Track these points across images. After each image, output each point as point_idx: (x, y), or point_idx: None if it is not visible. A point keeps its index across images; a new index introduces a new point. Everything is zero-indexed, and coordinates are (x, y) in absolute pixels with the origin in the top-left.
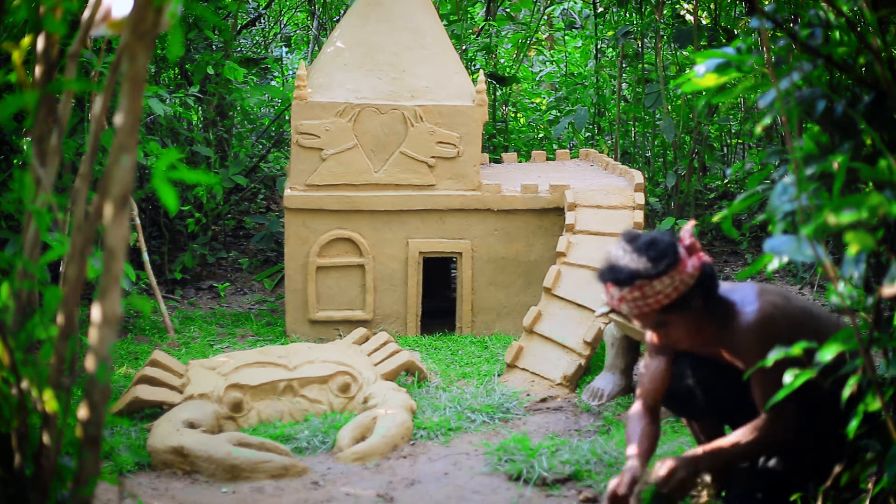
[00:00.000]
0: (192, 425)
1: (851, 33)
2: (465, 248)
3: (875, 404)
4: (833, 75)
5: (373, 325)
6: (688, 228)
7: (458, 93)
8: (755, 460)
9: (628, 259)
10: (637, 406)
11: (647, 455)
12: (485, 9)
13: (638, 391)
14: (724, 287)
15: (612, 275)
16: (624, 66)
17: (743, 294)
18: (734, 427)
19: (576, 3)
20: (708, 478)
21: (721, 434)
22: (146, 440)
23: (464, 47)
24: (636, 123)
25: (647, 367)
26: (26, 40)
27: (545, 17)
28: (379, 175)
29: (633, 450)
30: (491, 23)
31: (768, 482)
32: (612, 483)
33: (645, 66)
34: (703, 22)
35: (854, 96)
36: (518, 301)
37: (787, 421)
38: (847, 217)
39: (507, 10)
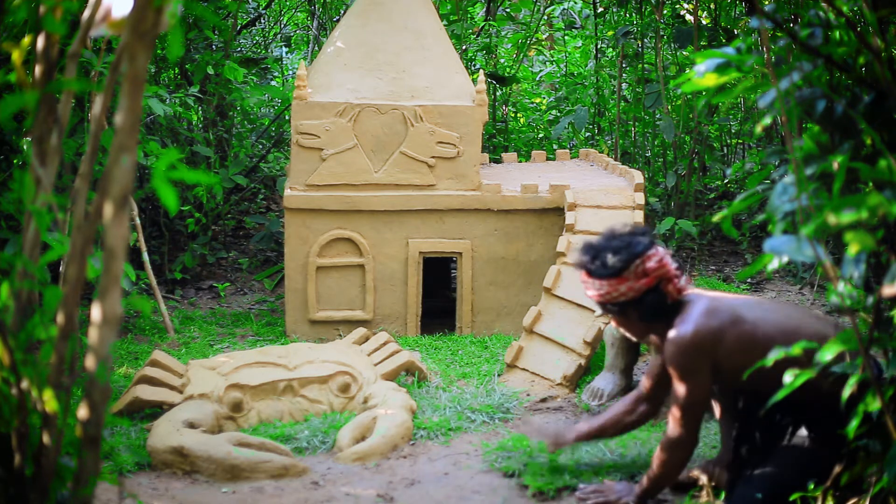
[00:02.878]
0: (192, 425)
1: (851, 33)
2: (465, 248)
3: (875, 404)
4: (833, 75)
5: (373, 325)
6: (661, 255)
7: (458, 93)
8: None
9: (590, 248)
10: (634, 392)
11: (596, 432)
12: (485, 9)
13: (641, 380)
14: (696, 301)
15: (578, 253)
16: (624, 66)
17: (691, 309)
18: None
19: (576, 3)
20: (705, 478)
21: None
22: (146, 440)
23: (464, 47)
24: (636, 123)
25: (651, 359)
26: (26, 40)
27: (545, 17)
28: (379, 175)
29: (590, 420)
30: (491, 23)
31: (768, 482)
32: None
33: (645, 66)
34: (703, 22)
35: (854, 96)
36: (518, 301)
37: (691, 430)
38: (847, 217)
39: (507, 10)
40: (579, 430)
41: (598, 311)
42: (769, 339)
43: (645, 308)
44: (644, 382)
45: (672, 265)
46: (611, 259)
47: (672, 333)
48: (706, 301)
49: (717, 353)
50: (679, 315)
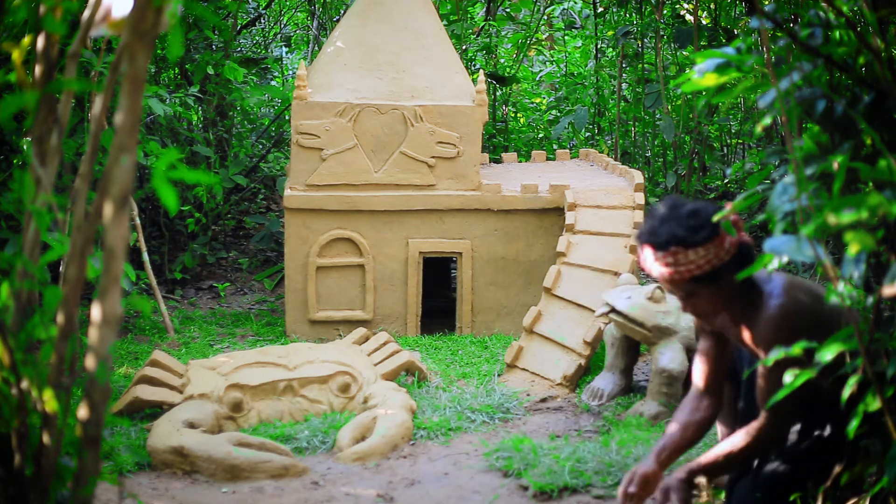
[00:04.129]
0: (192, 425)
1: (851, 33)
2: (465, 248)
3: (875, 404)
4: (833, 75)
5: (373, 325)
6: (728, 206)
7: (458, 93)
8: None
9: (669, 223)
10: (690, 392)
11: (673, 452)
12: (485, 9)
13: (692, 376)
14: (759, 275)
15: (650, 237)
16: (624, 66)
17: (773, 285)
18: (744, 397)
19: (576, 3)
20: (705, 478)
21: (734, 401)
22: (146, 440)
23: (464, 47)
24: (636, 123)
25: (699, 351)
26: (26, 40)
27: (545, 17)
28: (379, 175)
29: (656, 446)
30: (491, 23)
31: (768, 482)
32: (625, 480)
33: (645, 66)
34: (703, 22)
35: (854, 96)
36: (518, 301)
37: (784, 423)
38: (847, 217)
39: (507, 10)
40: (661, 454)
41: (599, 310)
42: (832, 322)
43: (742, 266)
44: (700, 376)
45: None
46: (702, 220)
47: (771, 310)
48: (780, 277)
49: (807, 332)
50: (765, 288)
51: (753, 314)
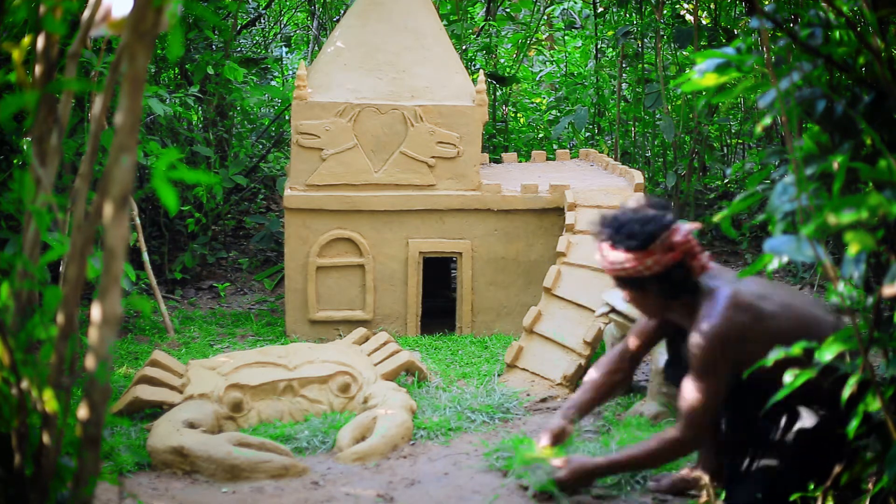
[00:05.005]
0: (192, 425)
1: (851, 33)
2: (465, 248)
3: (875, 404)
4: (833, 75)
5: (373, 325)
6: (687, 229)
7: (458, 93)
8: (741, 462)
9: (617, 220)
10: (612, 351)
11: (586, 406)
12: (485, 9)
13: (627, 339)
14: (716, 279)
15: (598, 224)
16: (624, 66)
17: (717, 297)
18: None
19: (576, 3)
20: (707, 478)
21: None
22: (146, 440)
23: (464, 47)
24: (636, 123)
25: (640, 323)
26: (26, 40)
27: (545, 17)
28: (379, 175)
29: (570, 401)
30: (491, 23)
31: (768, 482)
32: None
33: (645, 66)
34: (703, 22)
35: (854, 96)
36: (518, 301)
37: (700, 435)
38: (847, 217)
39: (507, 10)
40: (571, 408)
41: (599, 310)
42: (790, 333)
43: (669, 284)
44: (632, 341)
45: (696, 241)
46: (638, 230)
47: (702, 326)
48: (730, 291)
49: (742, 351)
50: (705, 302)
51: (693, 320)
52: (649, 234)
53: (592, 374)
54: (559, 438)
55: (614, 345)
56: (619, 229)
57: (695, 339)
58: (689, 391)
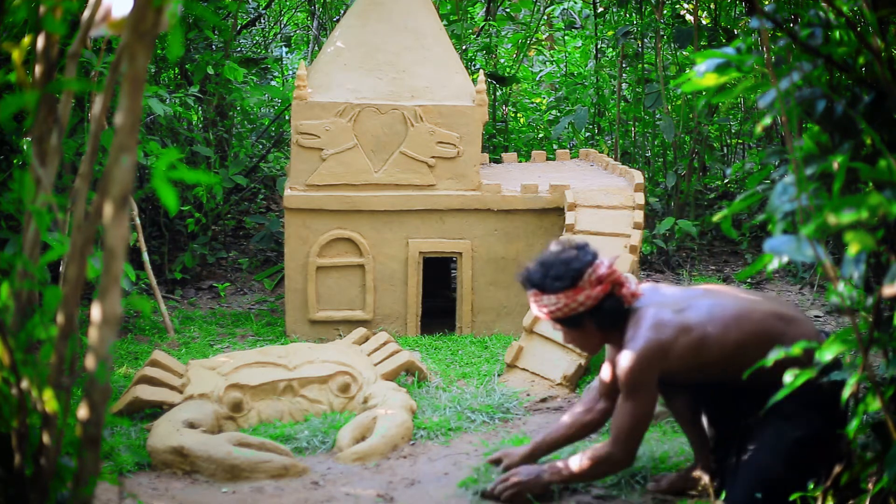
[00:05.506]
0: (192, 425)
1: (851, 33)
2: (465, 248)
3: (875, 404)
4: (833, 75)
5: (373, 325)
6: (609, 260)
7: (458, 93)
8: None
9: (540, 267)
10: (590, 390)
11: (554, 444)
12: (485, 9)
13: (600, 376)
14: (645, 310)
15: (524, 273)
16: (624, 66)
17: (640, 319)
18: (707, 405)
19: (576, 3)
20: (707, 478)
21: (696, 413)
22: (146, 440)
23: (464, 47)
24: (636, 123)
25: (609, 354)
26: (26, 40)
27: (545, 17)
28: (379, 175)
29: (537, 437)
30: (491, 23)
31: (768, 482)
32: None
33: (645, 66)
34: (703, 22)
35: (854, 96)
36: (518, 301)
37: (631, 452)
38: (847, 217)
39: (507, 10)
40: (533, 446)
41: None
42: (720, 337)
43: (603, 315)
44: (603, 376)
45: (620, 270)
46: (563, 271)
47: (626, 348)
48: (653, 312)
49: (667, 364)
50: (630, 326)
51: (620, 346)
52: (576, 272)
53: (566, 415)
54: (499, 462)
55: None
56: (544, 275)
57: (621, 361)
58: (620, 411)
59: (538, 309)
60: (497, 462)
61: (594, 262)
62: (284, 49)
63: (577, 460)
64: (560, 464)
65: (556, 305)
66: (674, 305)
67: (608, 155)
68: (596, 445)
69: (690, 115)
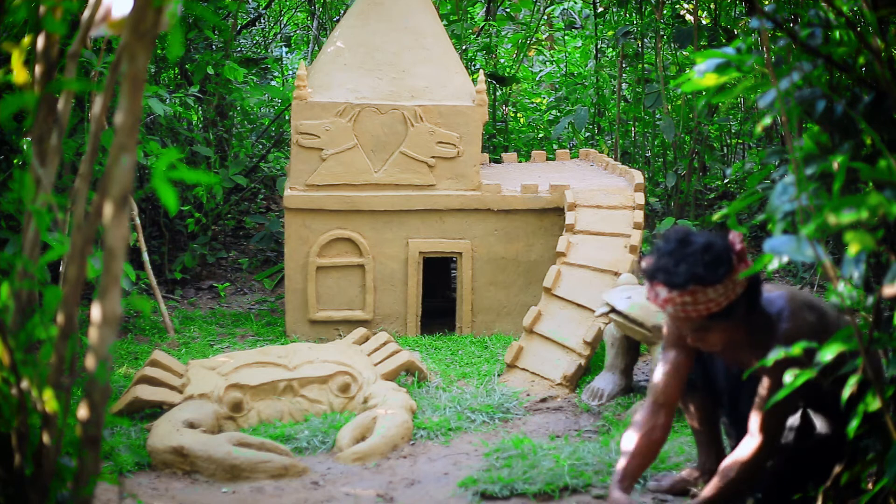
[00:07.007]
0: (192, 425)
1: (851, 33)
2: (465, 248)
3: (875, 404)
4: (833, 75)
5: (373, 325)
6: (738, 235)
7: (458, 93)
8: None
9: (686, 262)
10: (645, 406)
11: (636, 471)
12: (485, 9)
13: (650, 387)
14: (764, 296)
15: (666, 276)
16: (624, 66)
17: (779, 307)
18: (727, 408)
19: (576, 3)
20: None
21: (714, 416)
22: (146, 440)
23: (464, 47)
24: (636, 123)
25: (663, 361)
26: (26, 40)
27: (545, 17)
28: (379, 175)
29: (619, 472)
30: (491, 23)
31: (768, 482)
32: None
33: (645, 66)
34: (703, 22)
35: (854, 96)
36: (518, 301)
37: (775, 441)
38: (847, 217)
39: (507, 10)
40: (624, 479)
41: (599, 310)
42: (829, 328)
43: (752, 296)
44: (662, 391)
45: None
46: (715, 255)
47: (784, 332)
48: (780, 296)
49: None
50: (771, 311)
51: (763, 339)
52: (727, 252)
53: (632, 438)
54: None
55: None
56: (701, 267)
57: (782, 343)
58: (767, 398)
59: (695, 308)
60: None
61: (728, 238)
62: (284, 49)
63: (731, 470)
64: (707, 492)
65: (723, 295)
66: (795, 290)
67: (608, 155)
68: (739, 453)
69: (690, 115)
